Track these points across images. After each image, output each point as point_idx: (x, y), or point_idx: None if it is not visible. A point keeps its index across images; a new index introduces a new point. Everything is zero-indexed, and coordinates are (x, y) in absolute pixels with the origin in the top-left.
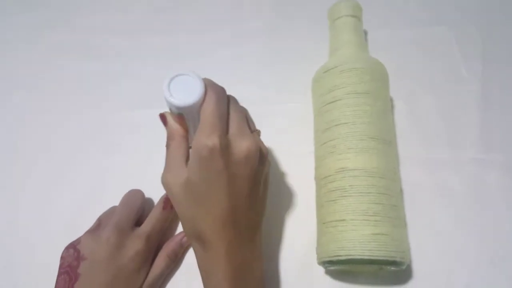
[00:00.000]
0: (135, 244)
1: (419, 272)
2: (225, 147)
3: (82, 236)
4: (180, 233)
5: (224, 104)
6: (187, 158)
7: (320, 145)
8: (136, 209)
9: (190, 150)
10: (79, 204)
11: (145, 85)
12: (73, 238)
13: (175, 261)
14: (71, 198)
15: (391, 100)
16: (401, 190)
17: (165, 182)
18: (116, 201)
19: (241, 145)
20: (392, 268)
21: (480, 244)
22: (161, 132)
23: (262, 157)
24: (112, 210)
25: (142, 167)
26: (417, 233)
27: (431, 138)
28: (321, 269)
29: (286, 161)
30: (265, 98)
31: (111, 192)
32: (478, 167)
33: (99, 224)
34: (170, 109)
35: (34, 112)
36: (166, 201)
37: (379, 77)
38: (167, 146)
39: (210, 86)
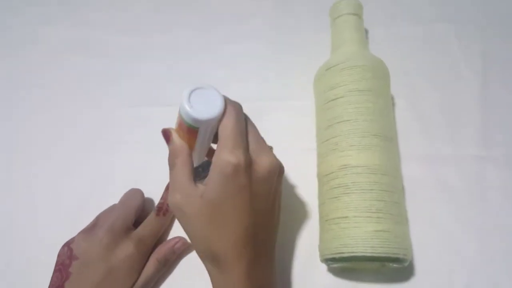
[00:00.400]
0: (128, 247)
1: (420, 269)
2: (249, 164)
3: (76, 235)
4: (174, 238)
5: (243, 120)
6: (193, 176)
7: (322, 142)
8: (134, 209)
9: (211, 167)
10: (81, 201)
11: (146, 83)
12: (74, 235)
13: (166, 266)
14: (72, 196)
15: (392, 97)
16: (402, 187)
17: (174, 203)
18: (117, 199)
19: (263, 162)
20: (395, 265)
21: (481, 241)
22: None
23: (280, 173)
24: (111, 209)
25: (144, 164)
26: (419, 230)
27: (432, 135)
28: (323, 266)
29: (288, 158)
30: (267, 95)
31: (112, 190)
32: (479, 163)
33: (96, 223)
34: (182, 122)
35: (34, 110)
36: (159, 208)
37: (380, 74)
38: (172, 164)
39: (229, 101)
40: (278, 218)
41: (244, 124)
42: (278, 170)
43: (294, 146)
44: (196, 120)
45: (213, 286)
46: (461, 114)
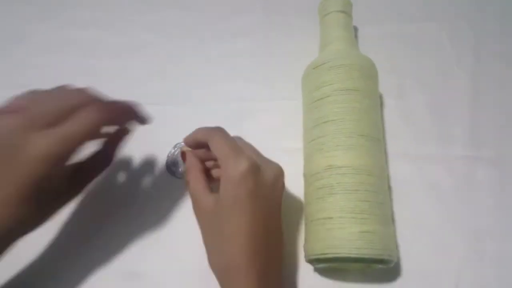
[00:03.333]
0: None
1: (407, 269)
2: (256, 169)
3: None
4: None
5: (231, 137)
6: (209, 188)
7: (308, 142)
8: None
9: (221, 180)
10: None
11: (134, 82)
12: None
13: (113, 123)
14: None
15: (381, 96)
16: (389, 188)
17: (196, 214)
18: (108, 198)
19: (268, 168)
20: (380, 266)
21: (470, 242)
22: (154, 128)
23: (283, 181)
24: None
25: (135, 163)
26: (406, 231)
27: (421, 135)
28: (309, 266)
29: (276, 157)
30: (255, 94)
31: (108, 188)
32: (468, 164)
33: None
34: None
35: None
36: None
37: (368, 73)
38: (187, 181)
39: (209, 128)
40: (282, 230)
41: (234, 140)
42: (283, 176)
43: (281, 146)
44: None
45: None
46: (451, 114)
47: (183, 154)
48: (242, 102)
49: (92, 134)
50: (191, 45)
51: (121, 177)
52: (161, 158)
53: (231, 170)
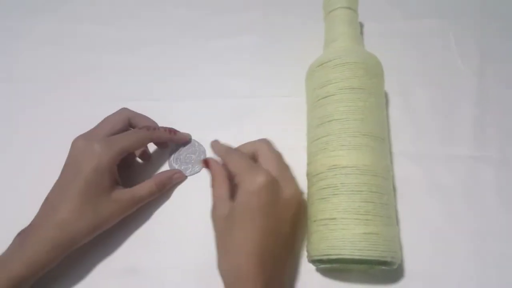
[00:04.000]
0: (97, 145)
1: (411, 270)
2: (273, 184)
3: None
4: (173, 169)
5: (244, 154)
6: (231, 196)
7: (312, 141)
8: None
9: (238, 190)
10: None
11: (134, 77)
12: None
13: (160, 192)
14: None
15: (386, 94)
16: (393, 188)
17: (212, 218)
18: None
19: (287, 187)
20: (383, 268)
21: (474, 243)
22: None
23: (300, 203)
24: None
25: (136, 160)
26: (409, 231)
27: (425, 134)
28: (311, 267)
29: None
30: (258, 91)
31: None
32: (472, 164)
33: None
34: None
35: (19, 104)
36: (145, 126)
37: (374, 71)
38: (211, 186)
39: (225, 150)
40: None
41: (249, 159)
42: (300, 198)
43: (283, 144)
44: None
45: None
46: (456, 113)
47: (206, 162)
48: (244, 99)
49: (138, 146)
50: (193, 41)
51: (122, 174)
52: (162, 155)
53: (249, 181)
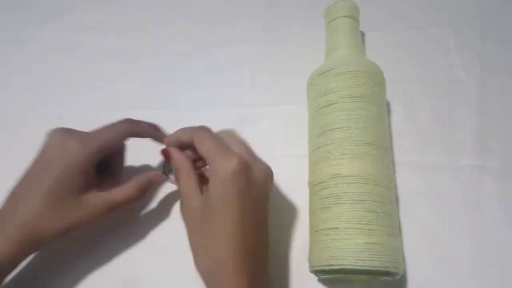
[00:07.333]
0: (72, 142)
1: (413, 281)
2: (247, 168)
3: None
4: (152, 172)
5: (217, 136)
6: (200, 188)
7: (314, 150)
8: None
9: (210, 179)
10: None
11: (135, 86)
12: None
13: (141, 196)
14: None
15: (388, 103)
16: (396, 198)
17: (183, 214)
18: None
19: (258, 167)
20: (386, 278)
21: (477, 254)
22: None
23: (271, 182)
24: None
25: (132, 169)
26: (412, 241)
27: (428, 143)
28: (313, 277)
29: (280, 165)
30: (259, 99)
31: None
32: (475, 173)
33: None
34: None
35: (20, 113)
36: (127, 118)
37: (375, 80)
38: (177, 179)
39: (194, 128)
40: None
41: (221, 138)
42: (272, 178)
43: (284, 153)
44: None
45: None
46: (458, 122)
47: (165, 152)
48: (244, 108)
49: (118, 141)
50: (195, 51)
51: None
52: (159, 163)
53: (221, 169)
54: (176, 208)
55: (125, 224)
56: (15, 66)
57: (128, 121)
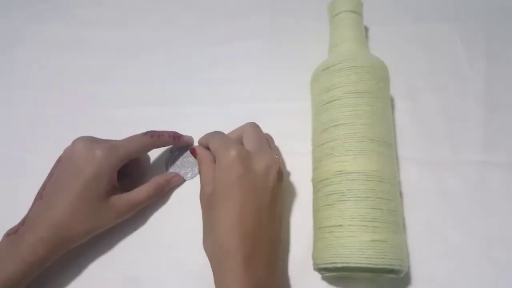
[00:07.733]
0: (99, 151)
1: (418, 278)
2: (245, 156)
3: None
4: (171, 173)
5: (223, 134)
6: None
7: (317, 146)
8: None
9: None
10: None
11: (140, 82)
12: None
13: (159, 195)
14: None
15: (392, 99)
16: (400, 194)
17: (200, 199)
18: None
19: (261, 159)
20: (390, 275)
21: (483, 250)
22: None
23: (280, 175)
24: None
25: (137, 165)
26: (417, 238)
27: (433, 139)
28: (317, 275)
29: (285, 161)
30: (264, 96)
31: None
32: (481, 169)
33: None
34: None
35: (23, 109)
36: (149, 132)
37: (379, 75)
38: (199, 171)
39: (206, 135)
40: (280, 227)
41: (228, 137)
42: (276, 168)
43: (288, 150)
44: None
45: (215, 281)
46: (463, 118)
47: (192, 150)
48: (249, 104)
49: (141, 153)
50: (200, 47)
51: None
52: (163, 161)
53: (222, 159)
54: (177, 207)
55: (125, 223)
56: (19, 62)
57: (152, 136)
